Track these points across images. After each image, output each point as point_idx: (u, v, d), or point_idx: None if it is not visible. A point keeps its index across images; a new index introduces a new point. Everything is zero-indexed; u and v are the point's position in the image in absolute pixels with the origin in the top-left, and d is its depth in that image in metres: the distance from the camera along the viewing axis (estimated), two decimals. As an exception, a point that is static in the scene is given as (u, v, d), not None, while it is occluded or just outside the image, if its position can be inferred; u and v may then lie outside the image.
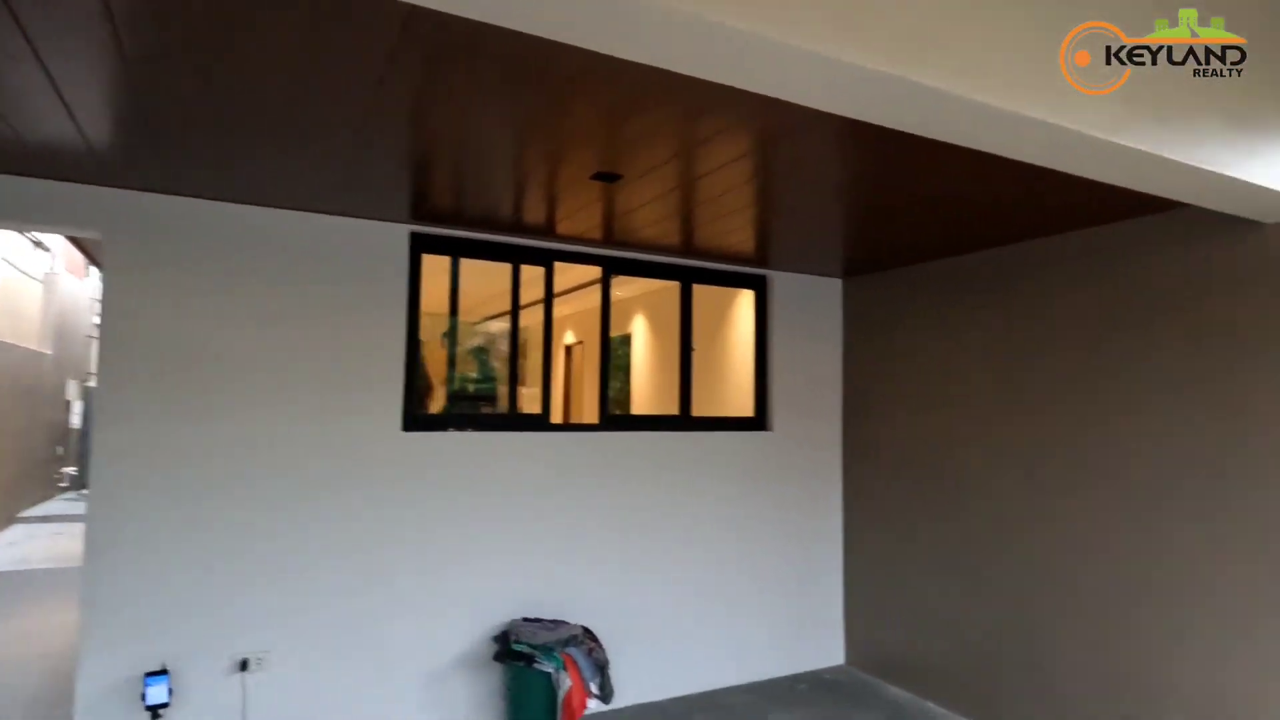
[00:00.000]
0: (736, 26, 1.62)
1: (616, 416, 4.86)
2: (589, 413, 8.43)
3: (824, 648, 5.09)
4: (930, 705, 4.39)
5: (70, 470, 14.41)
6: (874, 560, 4.97)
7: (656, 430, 4.69)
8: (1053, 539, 3.84)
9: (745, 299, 5.45)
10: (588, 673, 3.69)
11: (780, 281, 5.10)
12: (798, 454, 5.08)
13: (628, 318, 7.80)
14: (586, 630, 3.97)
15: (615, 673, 3.98)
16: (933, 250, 4.46)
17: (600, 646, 3.89)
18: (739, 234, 4.21)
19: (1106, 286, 3.65)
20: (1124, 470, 3.53)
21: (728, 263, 4.89)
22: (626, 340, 7.93)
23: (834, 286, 5.30)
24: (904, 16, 1.84)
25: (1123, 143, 2.22)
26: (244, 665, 3.52)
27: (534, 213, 3.84)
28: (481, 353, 7.74)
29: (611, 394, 4.64)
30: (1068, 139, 2.20)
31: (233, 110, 2.55)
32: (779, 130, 2.69)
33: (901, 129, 2.18)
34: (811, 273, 5.17)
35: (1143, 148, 2.26)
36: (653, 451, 4.60)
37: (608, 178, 3.13)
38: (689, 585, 4.63)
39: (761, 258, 4.77)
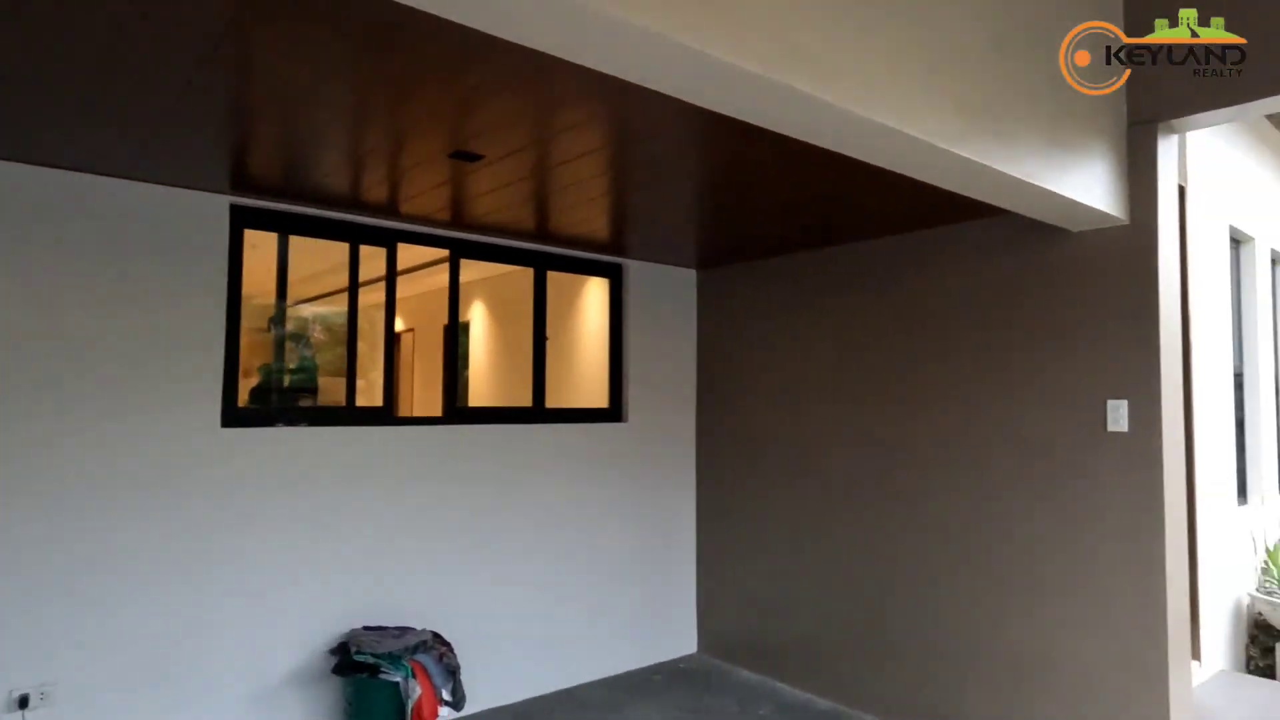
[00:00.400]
0: (613, 15, 1.71)
1: (464, 409, 4.84)
2: (420, 405, 8.26)
3: (678, 637, 5.37)
4: (779, 685, 4.79)
5: None
6: (725, 548, 5.31)
7: (507, 423, 4.73)
8: (891, 522, 4.31)
9: (594, 287, 5.60)
10: (439, 679, 3.69)
11: (636, 271, 5.29)
12: (653, 445, 5.31)
13: (465, 304, 7.71)
14: (436, 635, 3.96)
15: (468, 677, 4.01)
16: (784, 245, 4.82)
17: (451, 651, 3.90)
18: (596, 221, 4.34)
19: (940, 283, 4.15)
20: (954, 456, 4.04)
21: (583, 250, 5.00)
22: (464, 328, 7.84)
23: (689, 277, 5.57)
24: (773, 19, 2.03)
25: (961, 153, 2.57)
26: (23, 702, 3.20)
27: (377, 190, 3.76)
28: (298, 339, 7.34)
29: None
30: (915, 146, 2.51)
31: (30, 54, 2.31)
32: (642, 121, 2.84)
33: (761, 125, 2.38)
34: (667, 263, 5.40)
35: (977, 159, 2.63)
36: (503, 444, 4.63)
37: (468, 157, 3.14)
38: (543, 582, 4.73)
39: (618, 246, 4.93)
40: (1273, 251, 6.22)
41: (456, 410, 4.64)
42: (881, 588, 4.34)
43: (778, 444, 4.98)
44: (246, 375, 4.73)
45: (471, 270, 6.64)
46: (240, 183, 3.63)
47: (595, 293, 5.60)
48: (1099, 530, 3.46)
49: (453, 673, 3.81)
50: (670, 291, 5.48)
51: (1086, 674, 3.48)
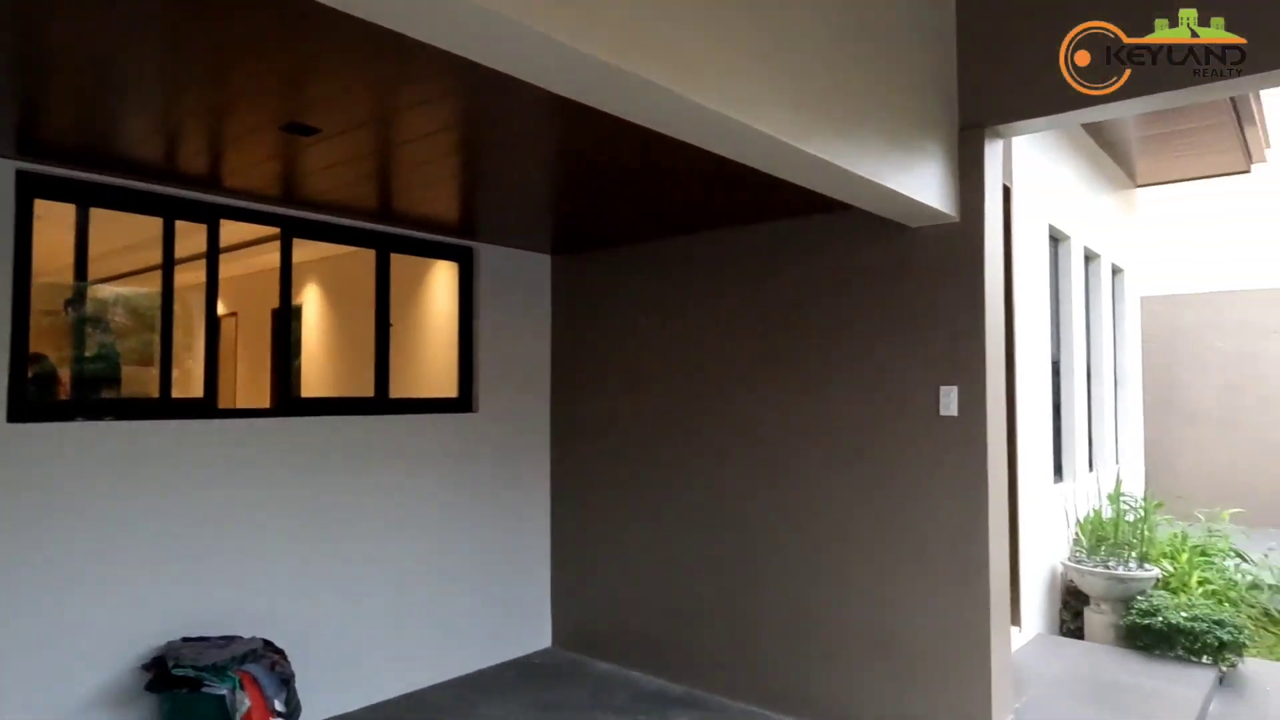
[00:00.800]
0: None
1: (297, 399, 4.66)
2: (245, 396, 7.84)
3: (532, 632, 5.42)
4: (634, 674, 4.95)
5: None
6: (579, 540, 5.40)
7: (347, 414, 4.59)
8: (742, 507, 4.55)
9: (442, 271, 5.52)
10: (270, 690, 3.56)
11: (487, 255, 5.25)
12: (505, 435, 5.31)
13: (297, 287, 7.37)
14: (267, 643, 3.82)
15: (305, 685, 3.88)
16: (639, 233, 4.95)
17: (284, 659, 3.77)
18: (445, 203, 4.30)
19: (789, 274, 4.41)
20: (802, 441, 4.32)
21: (431, 232, 4.91)
22: (296, 312, 7.50)
23: (543, 263, 5.59)
24: (623, 7, 2.11)
25: (808, 150, 2.76)
26: None
27: (196, 160, 3.56)
28: (96, 323, 6.80)
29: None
30: (764, 141, 2.68)
31: None
32: (493, 103, 2.85)
33: (612, 113, 2.46)
34: (520, 247, 5.39)
35: (823, 156, 2.83)
36: (342, 437, 4.50)
37: (302, 130, 3.03)
38: (387, 582, 4.64)
39: (468, 229, 4.88)
40: (1085, 249, 6.99)
41: (289, 401, 4.46)
42: (733, 573, 4.57)
43: (631, 432, 5.12)
44: (35, 364, 4.35)
45: (304, 250, 6.38)
46: (29, 146, 3.34)
47: (443, 277, 5.51)
48: (931, 508, 3.82)
49: (286, 682, 3.69)
50: (523, 277, 5.48)
51: (918, 644, 3.84)
